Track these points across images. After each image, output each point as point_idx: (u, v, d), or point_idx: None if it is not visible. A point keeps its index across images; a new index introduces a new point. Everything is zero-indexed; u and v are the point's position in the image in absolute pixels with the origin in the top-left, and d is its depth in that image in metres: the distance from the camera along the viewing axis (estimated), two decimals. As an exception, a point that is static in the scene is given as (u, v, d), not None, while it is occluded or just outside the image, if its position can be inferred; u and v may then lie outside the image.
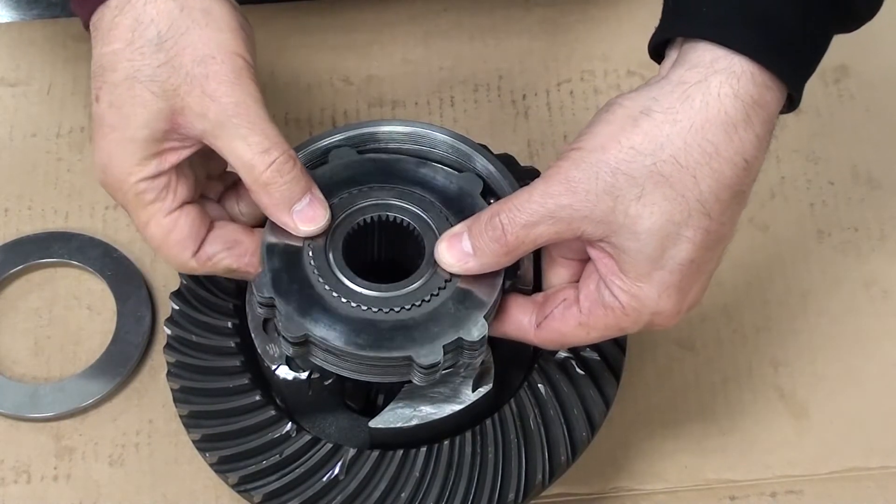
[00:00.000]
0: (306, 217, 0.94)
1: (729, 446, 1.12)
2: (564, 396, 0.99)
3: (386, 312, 0.92)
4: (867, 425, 1.13)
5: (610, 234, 0.89)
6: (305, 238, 0.95)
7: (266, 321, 1.00)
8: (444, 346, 0.91)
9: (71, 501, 1.11)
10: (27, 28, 1.34)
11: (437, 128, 1.03)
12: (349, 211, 0.97)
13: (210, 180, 1.00)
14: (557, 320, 0.93)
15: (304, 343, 0.92)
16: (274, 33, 1.33)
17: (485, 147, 1.03)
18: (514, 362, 1.03)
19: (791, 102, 0.91)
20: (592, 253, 0.91)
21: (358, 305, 0.92)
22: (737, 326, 1.18)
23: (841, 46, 1.31)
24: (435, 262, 0.94)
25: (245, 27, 0.94)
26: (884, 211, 1.24)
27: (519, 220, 0.89)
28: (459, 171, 1.02)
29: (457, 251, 0.93)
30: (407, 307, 0.92)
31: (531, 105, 1.30)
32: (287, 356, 0.97)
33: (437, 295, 0.93)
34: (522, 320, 0.95)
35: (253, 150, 0.91)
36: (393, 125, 1.03)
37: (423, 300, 0.93)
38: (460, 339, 0.91)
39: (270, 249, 0.94)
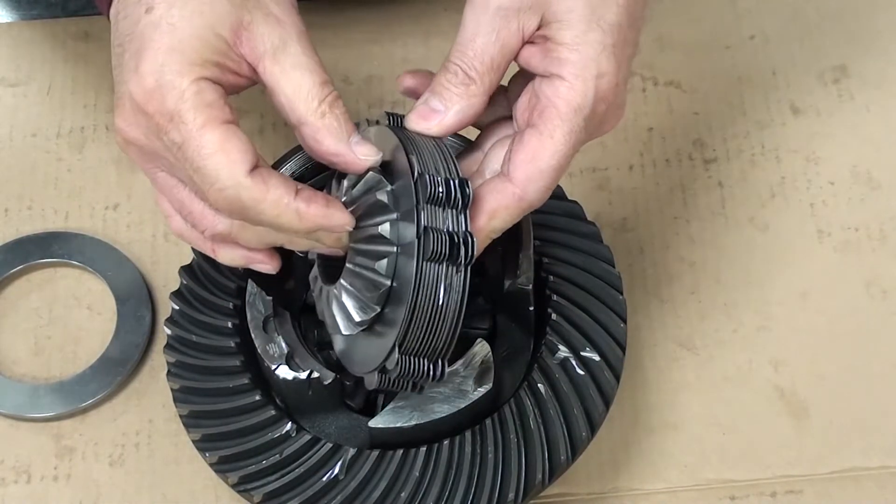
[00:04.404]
0: (363, 150, 0.90)
1: (729, 446, 1.12)
2: (564, 396, 0.99)
3: None
4: (867, 425, 1.13)
5: (543, 11, 0.89)
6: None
7: (266, 320, 1.00)
8: None
9: (71, 501, 1.11)
10: (27, 28, 1.34)
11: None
12: None
13: None
14: (520, 146, 0.90)
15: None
16: (274, 33, 1.33)
17: (485, 147, 1.03)
18: (513, 362, 1.04)
19: None
20: (531, 57, 0.91)
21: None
22: (737, 326, 1.18)
23: (841, 46, 1.33)
24: None
25: None
26: (884, 211, 1.23)
27: (468, 52, 0.90)
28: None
29: (427, 111, 0.92)
30: None
31: (531, 105, 1.30)
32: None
33: None
34: (500, 187, 0.91)
35: (314, 79, 0.89)
36: (393, 125, 1.03)
37: None
38: None
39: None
